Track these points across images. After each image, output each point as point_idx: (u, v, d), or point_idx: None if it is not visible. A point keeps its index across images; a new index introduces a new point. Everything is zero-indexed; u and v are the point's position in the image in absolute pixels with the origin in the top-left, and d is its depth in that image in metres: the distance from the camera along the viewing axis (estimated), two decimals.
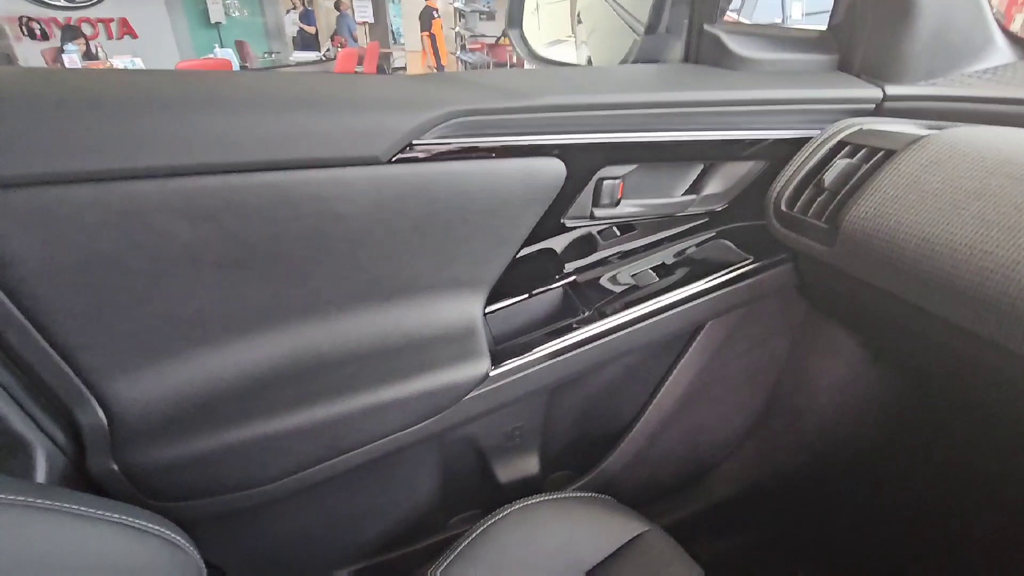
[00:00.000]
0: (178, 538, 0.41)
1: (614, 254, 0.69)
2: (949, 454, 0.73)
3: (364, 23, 10.72)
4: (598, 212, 0.61)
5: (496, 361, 0.60)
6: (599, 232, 0.69)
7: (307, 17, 8.96)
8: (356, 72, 6.75)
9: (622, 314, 0.64)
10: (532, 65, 0.98)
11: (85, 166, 0.41)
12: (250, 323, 0.52)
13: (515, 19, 0.82)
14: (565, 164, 0.55)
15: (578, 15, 1.23)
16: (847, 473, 0.86)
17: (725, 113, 0.60)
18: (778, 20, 3.21)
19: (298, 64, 7.42)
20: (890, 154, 0.53)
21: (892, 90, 0.63)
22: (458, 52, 7.35)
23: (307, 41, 9.11)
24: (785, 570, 0.92)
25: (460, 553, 0.57)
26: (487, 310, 0.64)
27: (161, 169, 0.43)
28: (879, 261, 0.50)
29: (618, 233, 0.69)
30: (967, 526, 0.73)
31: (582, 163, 0.57)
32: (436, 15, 5.88)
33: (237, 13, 8.14)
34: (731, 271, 0.67)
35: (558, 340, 0.63)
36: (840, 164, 0.56)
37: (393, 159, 0.49)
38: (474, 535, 0.58)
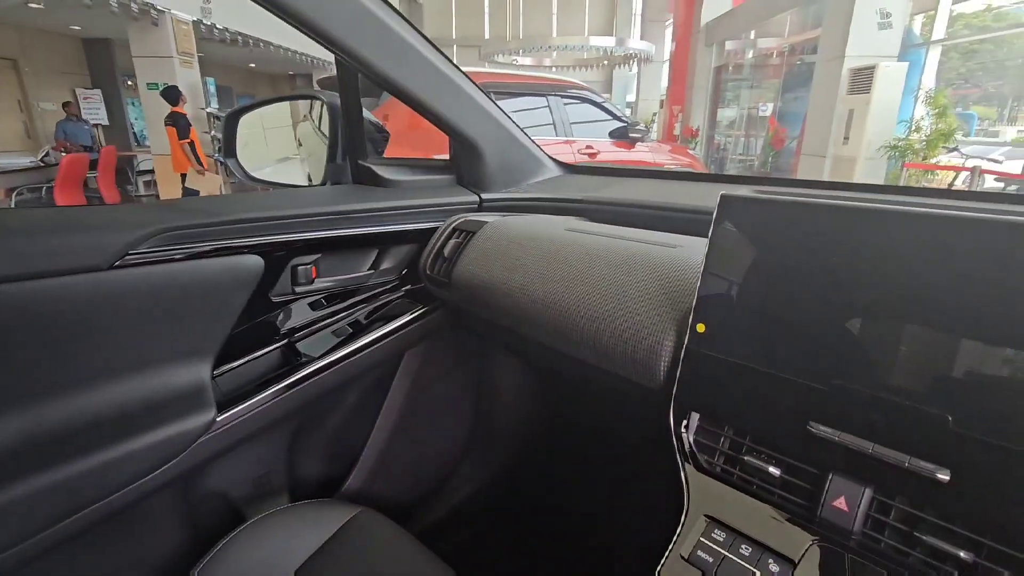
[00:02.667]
0: None
1: (325, 316, 0.93)
2: (584, 438, 1.11)
3: (97, 124, 9.65)
4: (298, 289, 0.85)
5: (222, 409, 0.77)
6: (310, 304, 0.92)
7: None
8: (88, 177, 6.06)
9: (328, 356, 0.87)
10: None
11: None
12: None
13: (230, 150, 1.05)
14: (263, 258, 0.78)
15: (299, 140, 1.53)
16: (536, 461, 1.20)
17: (382, 216, 0.91)
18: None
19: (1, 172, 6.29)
20: (471, 234, 0.88)
21: (485, 196, 1.02)
22: (216, 155, 7.15)
23: None
24: (512, 548, 1.19)
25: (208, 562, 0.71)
26: (218, 371, 0.80)
27: None
28: (469, 297, 0.84)
29: (325, 303, 0.93)
30: (602, 494, 1.10)
31: (275, 256, 0.81)
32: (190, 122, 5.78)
33: None
34: (410, 315, 0.96)
35: (276, 385, 0.82)
36: (451, 242, 0.90)
37: (113, 266, 0.66)
38: (213, 552, 0.72)
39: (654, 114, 14.45)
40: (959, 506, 0.39)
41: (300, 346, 0.88)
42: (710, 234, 0.53)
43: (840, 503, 0.44)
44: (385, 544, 0.77)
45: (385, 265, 0.96)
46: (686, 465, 0.53)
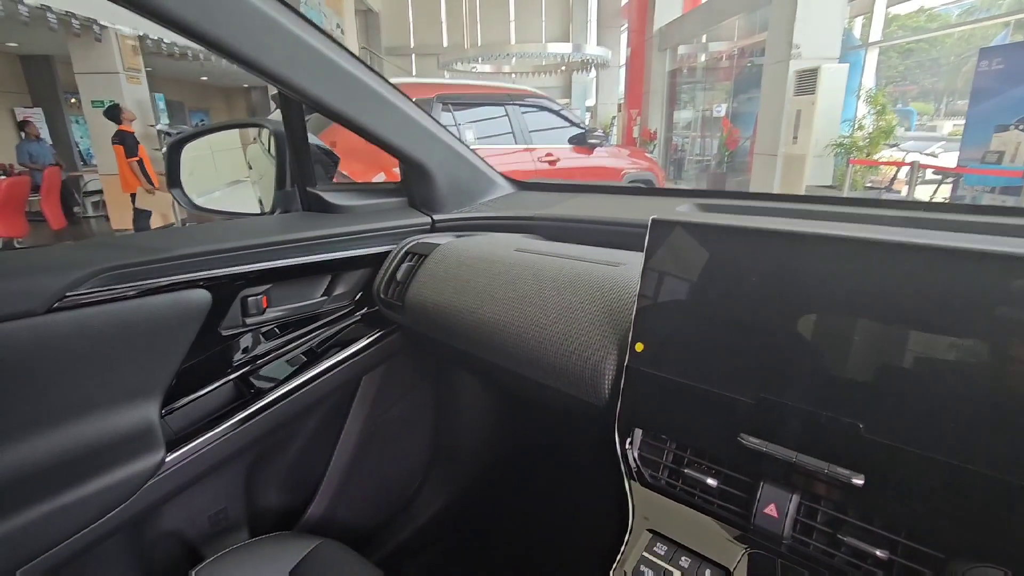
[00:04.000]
0: None
1: (279, 345, 0.91)
2: (542, 455, 1.13)
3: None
4: (248, 320, 0.84)
5: (172, 448, 0.76)
6: (264, 334, 0.91)
7: None
8: (30, 200, 5.80)
9: (283, 386, 0.86)
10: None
11: None
12: None
13: (174, 180, 1.03)
14: (210, 292, 0.77)
15: (248, 162, 1.51)
16: (496, 480, 1.21)
17: (333, 242, 0.91)
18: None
19: None
20: (423, 257, 0.89)
21: (437, 217, 1.03)
22: None
23: None
24: (476, 568, 1.19)
25: None
26: (168, 410, 0.79)
27: None
28: (422, 320, 0.84)
29: (278, 332, 0.92)
30: (564, 500, 1.11)
31: (224, 289, 0.80)
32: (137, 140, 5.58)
33: None
34: (366, 339, 0.96)
35: (229, 419, 0.81)
36: (404, 266, 0.91)
37: (50, 310, 0.64)
38: None
39: (613, 117, 14.71)
40: (875, 508, 0.42)
41: (253, 378, 0.87)
42: (644, 257, 0.56)
43: (771, 510, 0.46)
44: (346, 575, 0.76)
45: (339, 291, 0.95)
46: (631, 482, 0.55)
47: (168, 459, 0.75)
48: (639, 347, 0.55)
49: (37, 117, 9.12)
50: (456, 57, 12.97)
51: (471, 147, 1.08)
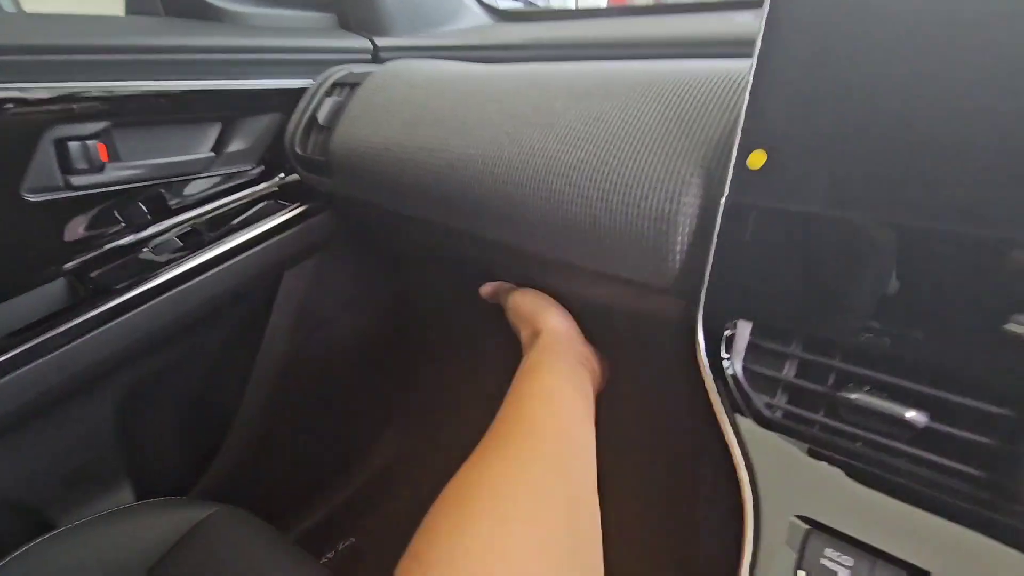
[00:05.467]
0: None
1: (140, 225, 0.61)
2: None
3: None
4: (76, 180, 0.53)
5: None
6: (113, 205, 0.59)
7: None
8: None
9: (147, 282, 0.57)
10: None
11: None
12: None
13: None
14: None
15: None
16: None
17: (221, 63, 0.58)
18: None
19: None
20: (356, 86, 0.58)
21: (381, 42, 0.70)
22: None
23: None
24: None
25: None
26: None
27: None
28: (357, 178, 0.55)
29: (144, 207, 0.61)
30: None
31: (19, 122, 0.48)
32: None
33: None
34: (282, 217, 0.66)
35: (54, 331, 0.52)
36: (328, 102, 0.59)
37: None
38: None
39: None
40: None
41: (95, 272, 0.57)
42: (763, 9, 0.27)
43: None
44: (244, 552, 0.51)
45: (235, 146, 0.64)
46: (737, 417, 0.29)
47: None
48: (757, 159, 0.28)
49: None
50: None
51: None
